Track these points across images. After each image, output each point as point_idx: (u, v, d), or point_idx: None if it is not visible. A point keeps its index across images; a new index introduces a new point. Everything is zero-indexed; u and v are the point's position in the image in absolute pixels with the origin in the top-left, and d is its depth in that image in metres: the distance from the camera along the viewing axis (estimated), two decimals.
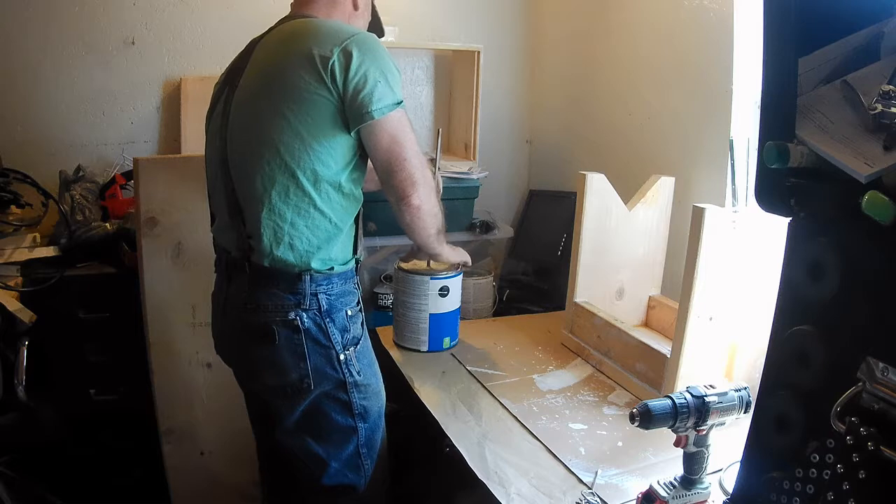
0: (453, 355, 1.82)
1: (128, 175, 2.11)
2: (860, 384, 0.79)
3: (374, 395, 1.44)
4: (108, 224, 1.99)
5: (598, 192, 1.76)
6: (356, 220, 1.41)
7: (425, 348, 1.81)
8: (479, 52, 2.32)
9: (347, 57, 1.25)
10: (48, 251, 1.88)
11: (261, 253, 1.32)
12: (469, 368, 1.73)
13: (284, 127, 1.27)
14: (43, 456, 1.75)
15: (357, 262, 1.43)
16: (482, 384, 1.64)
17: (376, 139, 1.30)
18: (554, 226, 2.43)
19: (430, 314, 1.79)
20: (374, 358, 1.48)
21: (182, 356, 1.83)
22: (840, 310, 0.84)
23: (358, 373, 1.39)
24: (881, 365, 0.77)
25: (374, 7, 1.55)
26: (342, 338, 1.36)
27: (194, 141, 2.28)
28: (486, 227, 2.34)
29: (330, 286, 1.35)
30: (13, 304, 1.65)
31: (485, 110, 2.41)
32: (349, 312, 1.38)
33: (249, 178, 1.31)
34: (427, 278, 1.75)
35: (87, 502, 1.83)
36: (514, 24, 2.67)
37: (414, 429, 1.53)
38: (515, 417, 1.47)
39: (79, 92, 2.21)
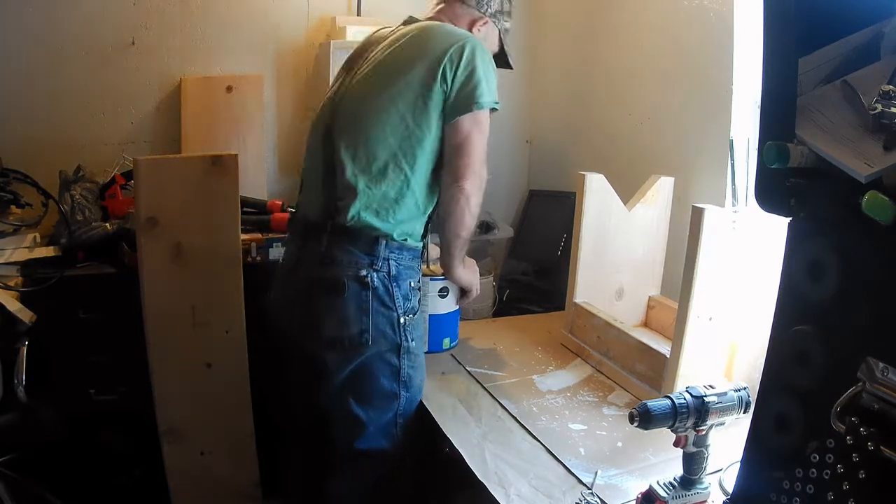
0: (453, 356, 1.82)
1: (128, 175, 2.10)
2: (860, 384, 0.79)
3: (420, 366, 1.54)
4: (108, 224, 1.98)
5: (597, 192, 1.76)
6: (433, 211, 1.54)
7: (425, 349, 1.80)
8: None
9: (459, 55, 1.42)
10: (48, 251, 1.87)
11: (347, 214, 1.42)
12: (469, 369, 1.73)
13: (393, 112, 1.42)
14: (43, 456, 1.75)
15: (424, 246, 1.56)
16: (482, 385, 1.64)
17: (460, 124, 1.42)
18: (554, 226, 2.43)
19: (430, 315, 1.78)
20: (423, 334, 1.58)
21: (182, 356, 1.82)
22: (840, 310, 0.84)
23: (412, 340, 1.49)
24: (881, 365, 0.77)
25: (502, 42, 1.73)
26: (404, 304, 1.47)
27: (194, 141, 2.28)
28: (486, 227, 2.34)
29: (401, 255, 1.47)
30: (13, 304, 1.64)
31: None
32: (412, 284, 1.50)
33: (354, 149, 1.43)
34: (427, 279, 1.75)
35: (87, 502, 1.82)
36: (513, 24, 2.67)
37: (414, 429, 1.53)
38: (515, 418, 1.48)
39: (79, 92, 2.20)
